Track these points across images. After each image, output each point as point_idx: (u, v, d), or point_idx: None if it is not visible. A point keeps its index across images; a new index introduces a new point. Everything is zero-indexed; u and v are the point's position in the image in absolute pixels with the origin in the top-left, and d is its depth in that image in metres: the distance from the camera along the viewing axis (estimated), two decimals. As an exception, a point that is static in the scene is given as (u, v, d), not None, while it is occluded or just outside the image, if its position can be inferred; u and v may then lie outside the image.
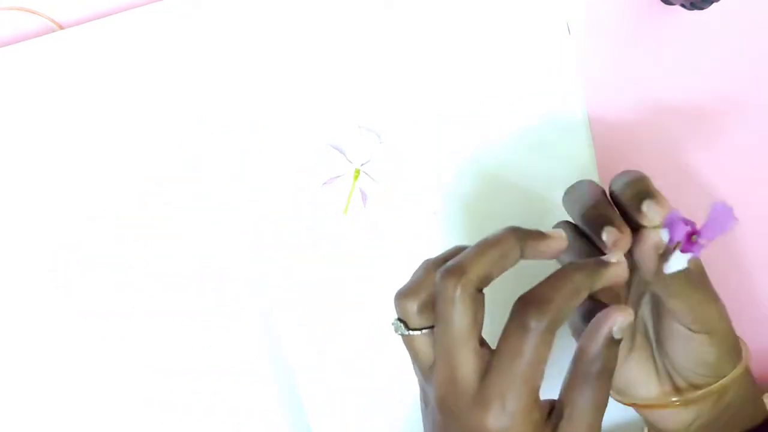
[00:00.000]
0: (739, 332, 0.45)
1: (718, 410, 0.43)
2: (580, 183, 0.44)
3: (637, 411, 0.46)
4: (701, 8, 0.49)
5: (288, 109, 0.50)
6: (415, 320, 0.38)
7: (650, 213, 0.39)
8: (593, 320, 0.38)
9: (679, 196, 0.53)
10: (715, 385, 0.42)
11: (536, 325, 0.35)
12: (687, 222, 0.37)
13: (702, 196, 0.53)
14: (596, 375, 0.37)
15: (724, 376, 0.42)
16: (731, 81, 0.53)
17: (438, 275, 0.37)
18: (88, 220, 0.50)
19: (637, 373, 0.45)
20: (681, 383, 0.44)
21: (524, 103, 0.51)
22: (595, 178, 0.51)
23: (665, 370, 0.44)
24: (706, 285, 0.43)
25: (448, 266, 0.37)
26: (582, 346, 0.38)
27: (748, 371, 0.44)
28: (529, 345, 0.35)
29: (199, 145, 0.50)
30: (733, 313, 0.45)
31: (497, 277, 0.38)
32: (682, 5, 0.50)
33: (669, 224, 0.37)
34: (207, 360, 0.51)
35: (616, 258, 0.38)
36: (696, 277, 0.42)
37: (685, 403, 0.43)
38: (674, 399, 0.44)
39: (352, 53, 0.50)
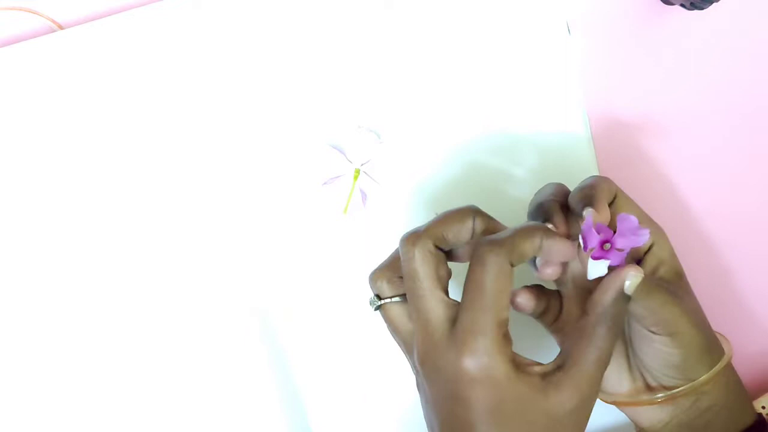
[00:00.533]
0: (731, 337, 0.45)
1: (695, 412, 0.43)
2: (547, 185, 0.46)
3: (618, 408, 0.46)
4: (701, 8, 0.49)
5: (288, 109, 0.50)
6: (386, 291, 0.42)
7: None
8: (606, 277, 0.40)
9: (678, 195, 0.53)
10: (683, 387, 0.42)
11: (491, 258, 0.38)
12: (601, 230, 0.39)
13: (701, 194, 0.53)
14: (606, 328, 0.39)
15: (694, 379, 0.42)
16: (731, 81, 0.53)
17: (399, 243, 0.41)
18: (88, 220, 0.50)
19: (609, 369, 0.44)
20: (652, 382, 0.44)
21: (524, 103, 0.51)
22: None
23: (638, 369, 0.45)
24: (665, 287, 0.42)
25: (407, 232, 0.41)
26: (594, 299, 0.40)
27: (728, 374, 0.44)
28: (488, 277, 0.38)
29: (199, 144, 0.50)
30: (723, 317, 0.45)
31: (455, 242, 0.41)
32: (682, 5, 0.50)
33: (582, 232, 0.39)
34: (207, 361, 0.51)
35: None
36: (654, 280, 0.42)
37: (656, 402, 0.43)
38: (644, 397, 0.44)
39: (352, 53, 0.50)
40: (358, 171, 0.50)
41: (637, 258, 0.44)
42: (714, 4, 0.48)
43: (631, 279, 0.39)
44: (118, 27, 0.49)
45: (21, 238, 0.50)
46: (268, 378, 0.51)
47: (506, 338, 0.39)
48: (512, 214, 0.51)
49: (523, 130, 0.51)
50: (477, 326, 0.38)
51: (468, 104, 0.51)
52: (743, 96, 0.53)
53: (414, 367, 0.42)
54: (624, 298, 0.39)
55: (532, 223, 0.41)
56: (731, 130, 0.53)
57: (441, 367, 0.39)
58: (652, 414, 0.44)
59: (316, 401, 0.51)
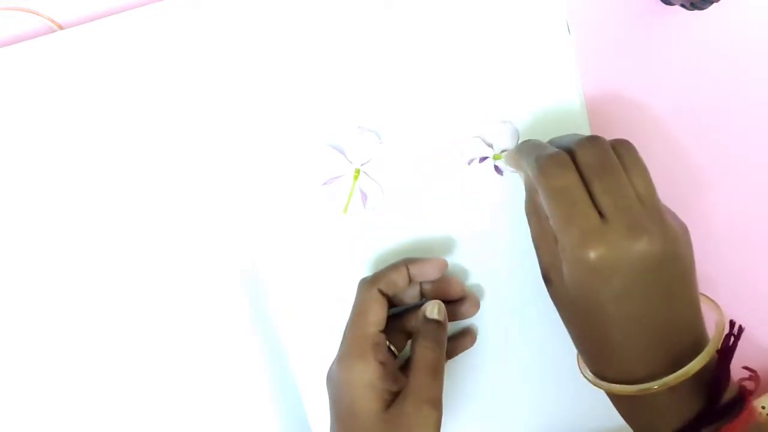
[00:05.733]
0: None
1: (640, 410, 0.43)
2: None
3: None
4: (701, 8, 0.49)
5: (288, 109, 0.50)
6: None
7: None
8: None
9: (678, 194, 0.53)
10: (642, 386, 0.42)
11: (361, 281, 0.48)
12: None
13: (701, 194, 0.53)
14: (420, 344, 0.45)
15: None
16: (731, 80, 0.53)
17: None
18: (88, 221, 0.50)
19: None
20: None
21: (524, 103, 0.51)
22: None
23: None
24: None
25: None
26: (412, 323, 0.49)
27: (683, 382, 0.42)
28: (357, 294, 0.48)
29: (199, 144, 0.50)
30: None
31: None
32: (682, 5, 0.50)
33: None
34: (206, 360, 0.51)
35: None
36: None
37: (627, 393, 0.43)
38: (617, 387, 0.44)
39: (351, 53, 0.50)
40: (358, 171, 0.50)
41: None
42: (714, 4, 0.48)
43: (428, 310, 0.47)
44: (118, 27, 0.49)
45: (21, 238, 0.50)
46: (268, 377, 0.51)
47: (373, 348, 0.45)
48: (512, 213, 0.51)
49: (523, 130, 0.51)
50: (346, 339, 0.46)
51: (468, 104, 0.51)
52: (743, 96, 0.53)
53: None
54: (428, 321, 0.46)
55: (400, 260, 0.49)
56: (731, 130, 0.53)
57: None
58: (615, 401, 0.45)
59: (315, 400, 0.51)
